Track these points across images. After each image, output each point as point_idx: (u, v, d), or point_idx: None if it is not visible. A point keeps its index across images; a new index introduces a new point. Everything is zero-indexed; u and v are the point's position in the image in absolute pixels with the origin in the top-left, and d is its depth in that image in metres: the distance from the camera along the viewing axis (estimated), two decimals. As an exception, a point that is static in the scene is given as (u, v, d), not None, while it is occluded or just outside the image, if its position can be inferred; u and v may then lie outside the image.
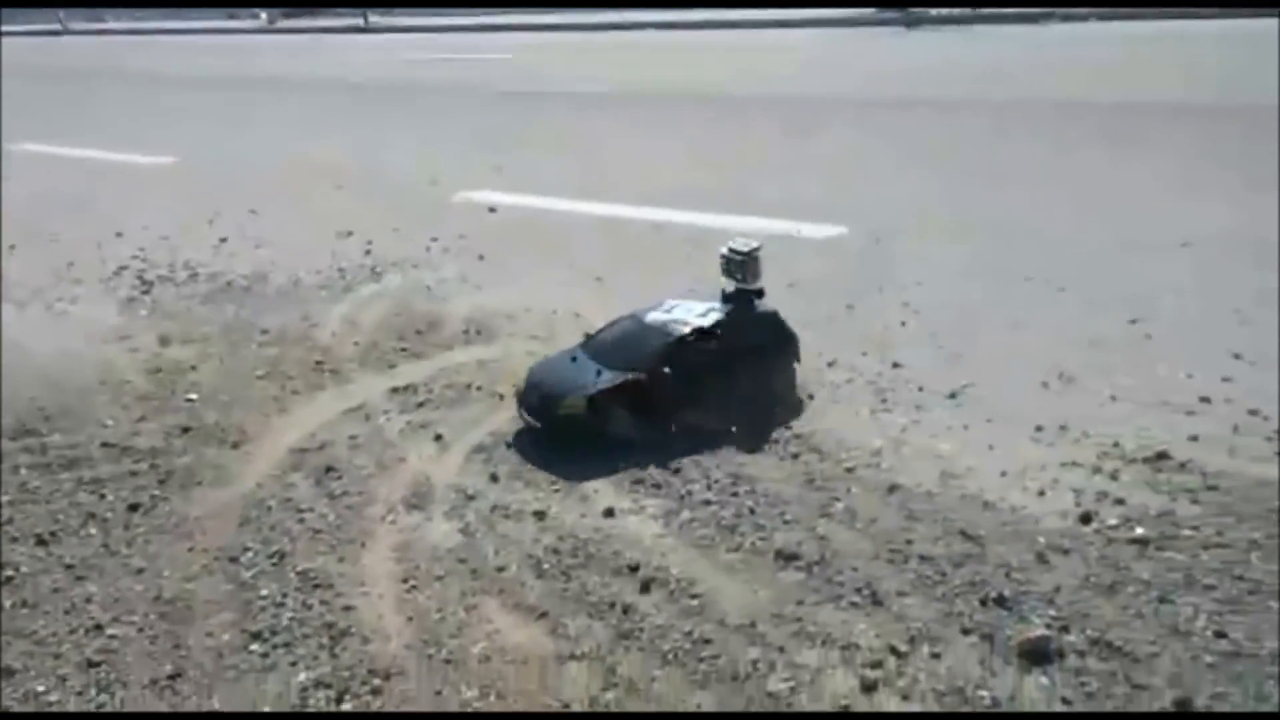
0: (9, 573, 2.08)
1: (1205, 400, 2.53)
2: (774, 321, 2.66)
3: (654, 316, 2.65)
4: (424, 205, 5.34)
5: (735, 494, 2.23)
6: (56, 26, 26.26)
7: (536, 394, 2.56)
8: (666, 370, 2.48)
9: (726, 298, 2.67)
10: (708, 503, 2.21)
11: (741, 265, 2.62)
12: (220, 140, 7.64)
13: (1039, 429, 2.45)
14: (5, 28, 23.61)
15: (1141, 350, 2.88)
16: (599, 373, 2.51)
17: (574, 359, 2.63)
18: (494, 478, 2.38)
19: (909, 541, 2.02)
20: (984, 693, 1.62)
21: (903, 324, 3.20)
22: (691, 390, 2.50)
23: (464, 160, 6.56)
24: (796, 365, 2.73)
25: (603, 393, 2.44)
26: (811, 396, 2.71)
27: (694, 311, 2.63)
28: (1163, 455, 2.28)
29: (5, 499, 2.37)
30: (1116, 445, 2.34)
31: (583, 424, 2.45)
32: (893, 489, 2.22)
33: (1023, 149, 5.76)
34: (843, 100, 8.01)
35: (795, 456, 2.39)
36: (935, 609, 1.82)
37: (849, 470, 2.32)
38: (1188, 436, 2.36)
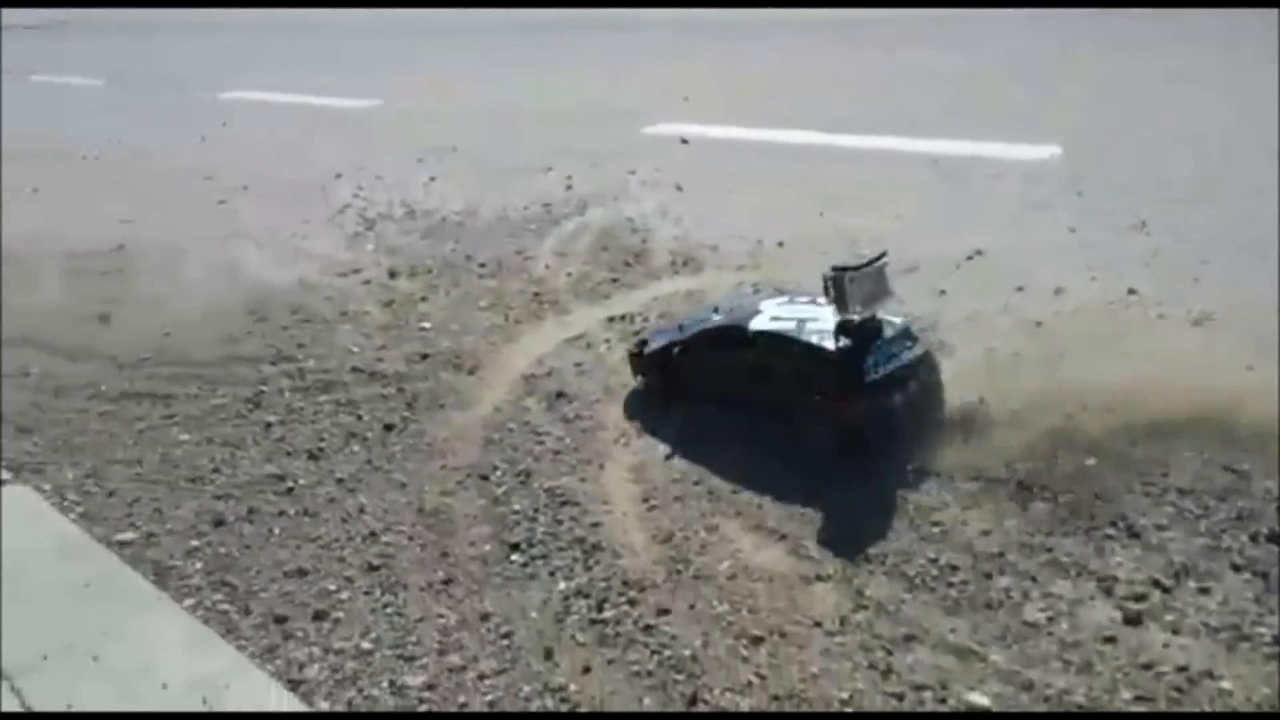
0: (289, 484, 2.28)
1: None
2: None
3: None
4: (616, 138, 5.38)
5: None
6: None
7: None
8: None
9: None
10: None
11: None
12: (416, 84, 7.92)
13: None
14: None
15: None
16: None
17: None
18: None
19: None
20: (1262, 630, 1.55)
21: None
22: None
23: (649, 91, 6.56)
24: None
25: None
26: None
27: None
28: None
29: (275, 418, 2.59)
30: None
31: None
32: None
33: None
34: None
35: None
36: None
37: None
38: None
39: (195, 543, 2.07)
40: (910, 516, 1.93)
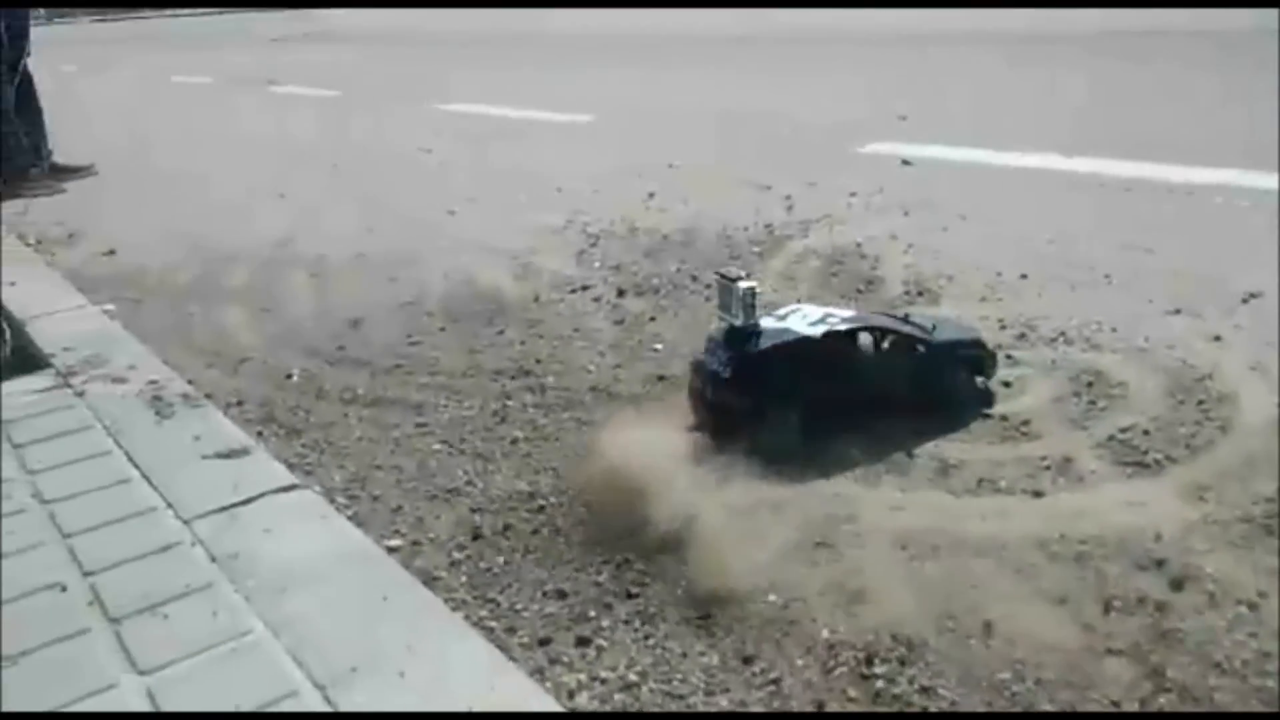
0: (540, 501, 2.33)
1: None
2: None
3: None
4: (832, 157, 5.30)
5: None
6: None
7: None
8: None
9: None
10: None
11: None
12: (626, 98, 8.08)
13: None
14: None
15: None
16: None
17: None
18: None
19: None
20: None
21: None
22: None
23: (864, 109, 6.42)
24: None
25: None
26: None
27: None
28: None
29: (521, 434, 2.66)
30: None
31: None
32: None
33: None
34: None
35: None
36: None
37: None
38: None
39: (457, 555, 2.14)
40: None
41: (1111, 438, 2.32)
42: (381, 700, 1.44)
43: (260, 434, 2.74)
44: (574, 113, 7.45)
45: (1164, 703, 1.55)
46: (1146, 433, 2.32)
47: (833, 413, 2.39)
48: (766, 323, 2.45)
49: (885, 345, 2.49)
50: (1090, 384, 2.59)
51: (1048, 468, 2.24)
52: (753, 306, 2.39)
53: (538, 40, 14.22)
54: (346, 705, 1.43)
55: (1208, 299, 3.03)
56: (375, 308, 3.73)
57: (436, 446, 2.64)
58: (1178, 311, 3.00)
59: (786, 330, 2.42)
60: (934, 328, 2.55)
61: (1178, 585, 1.80)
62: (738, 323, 2.40)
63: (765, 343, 2.39)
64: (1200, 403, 2.43)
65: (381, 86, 10.95)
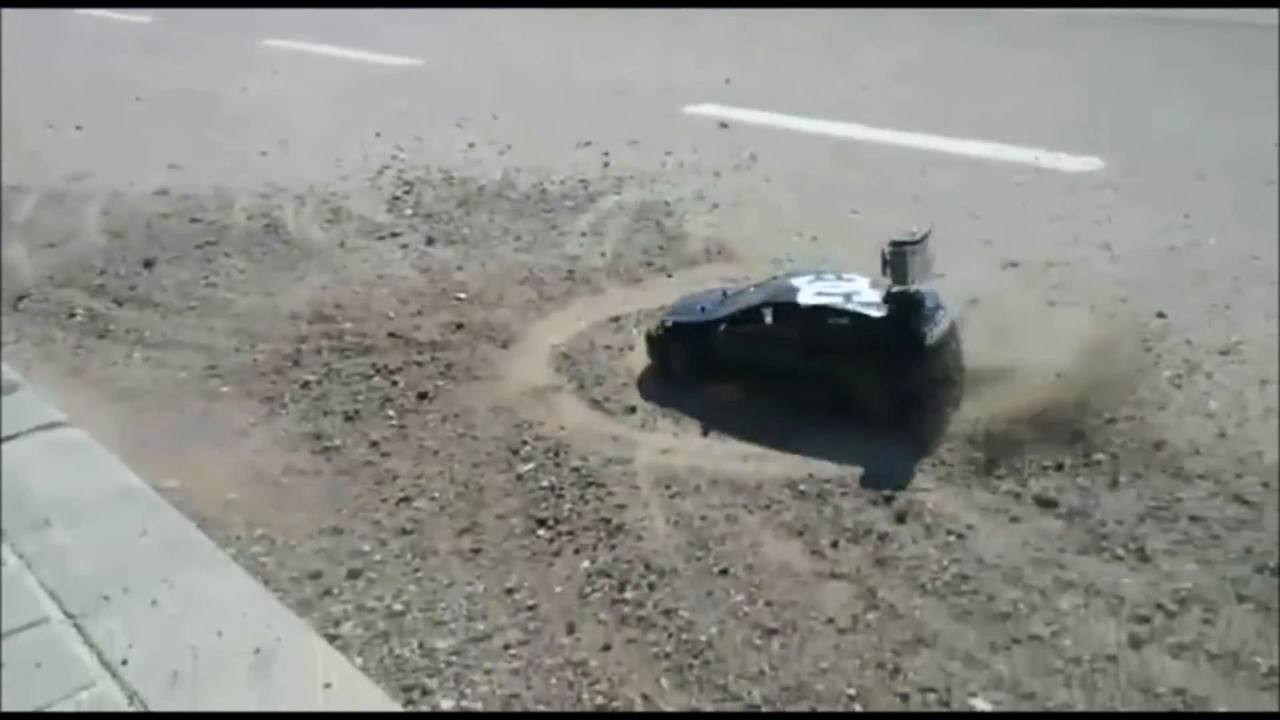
0: (325, 443, 2.36)
1: None
2: None
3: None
4: (654, 117, 5.40)
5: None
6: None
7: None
8: None
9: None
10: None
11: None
12: (459, 46, 7.93)
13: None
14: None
15: None
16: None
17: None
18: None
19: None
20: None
21: None
22: None
23: (690, 71, 6.55)
24: None
25: None
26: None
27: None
28: None
29: (313, 377, 2.66)
30: None
31: None
32: (1162, 446, 2.17)
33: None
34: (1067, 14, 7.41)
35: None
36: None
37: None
38: None
39: (233, 496, 2.15)
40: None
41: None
42: (131, 626, 1.47)
43: (35, 373, 2.64)
44: (405, 56, 7.28)
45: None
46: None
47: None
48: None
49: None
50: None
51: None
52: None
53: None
54: (95, 633, 1.45)
55: (976, 265, 3.28)
56: (172, 247, 3.61)
57: (224, 389, 2.62)
58: (942, 275, 3.26)
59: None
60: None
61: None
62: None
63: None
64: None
65: (203, 18, 10.32)
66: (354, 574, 1.91)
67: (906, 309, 2.30)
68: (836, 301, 2.38)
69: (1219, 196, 3.57)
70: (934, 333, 2.31)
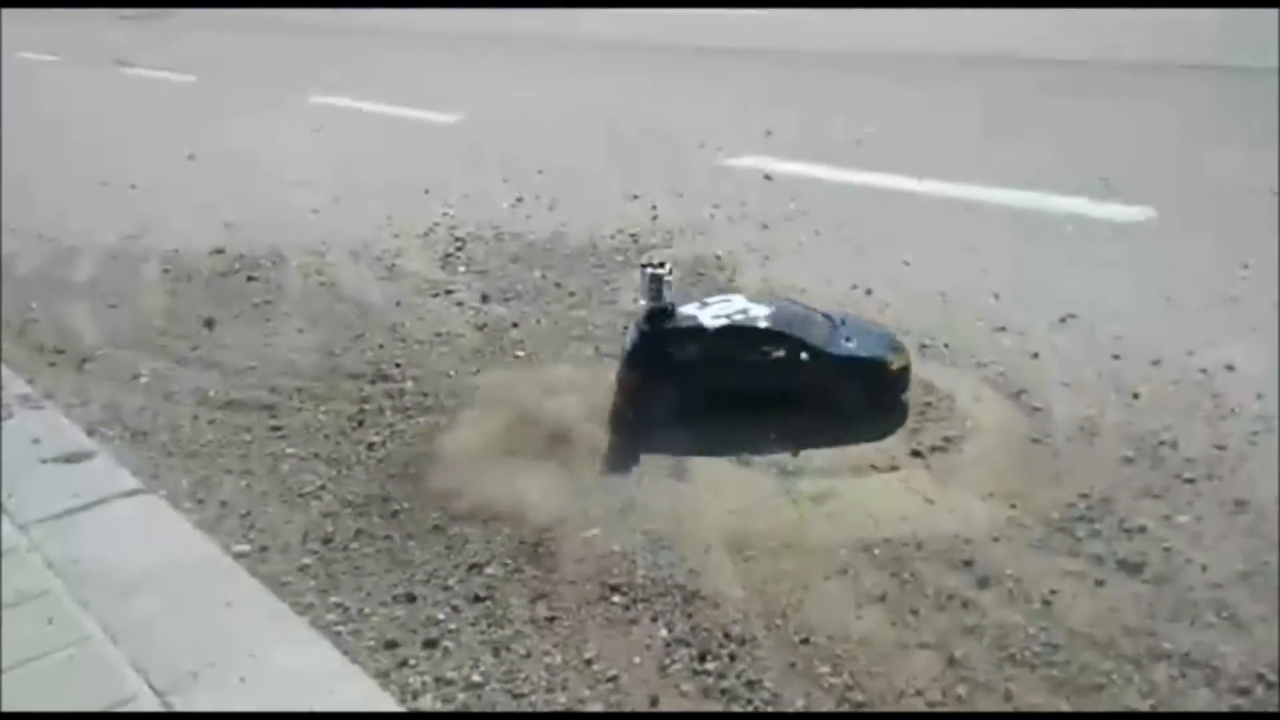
0: (394, 506, 2.35)
1: None
2: None
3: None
4: (698, 169, 5.44)
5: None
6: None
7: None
8: None
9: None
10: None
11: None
12: (499, 99, 8.07)
13: None
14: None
15: None
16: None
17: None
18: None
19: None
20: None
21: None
22: None
23: (730, 122, 6.61)
24: None
25: None
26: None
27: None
28: None
29: (378, 438, 2.67)
30: None
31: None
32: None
33: None
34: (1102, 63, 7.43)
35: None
36: None
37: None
38: None
39: (307, 560, 2.14)
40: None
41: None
42: (221, 705, 1.46)
43: (104, 437, 2.66)
44: (445, 112, 7.41)
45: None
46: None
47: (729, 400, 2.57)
48: (686, 309, 2.65)
49: (780, 348, 2.60)
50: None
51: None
52: (659, 290, 2.57)
53: (413, 35, 13.99)
54: (185, 709, 1.44)
55: (1033, 317, 3.25)
56: (231, 306, 3.66)
57: (290, 450, 2.63)
58: (1003, 329, 3.23)
59: (692, 318, 2.60)
60: (846, 339, 2.65)
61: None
62: (643, 303, 2.60)
63: (667, 324, 2.60)
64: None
65: (244, 74, 10.59)
66: (430, 643, 1.89)
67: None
68: None
69: None
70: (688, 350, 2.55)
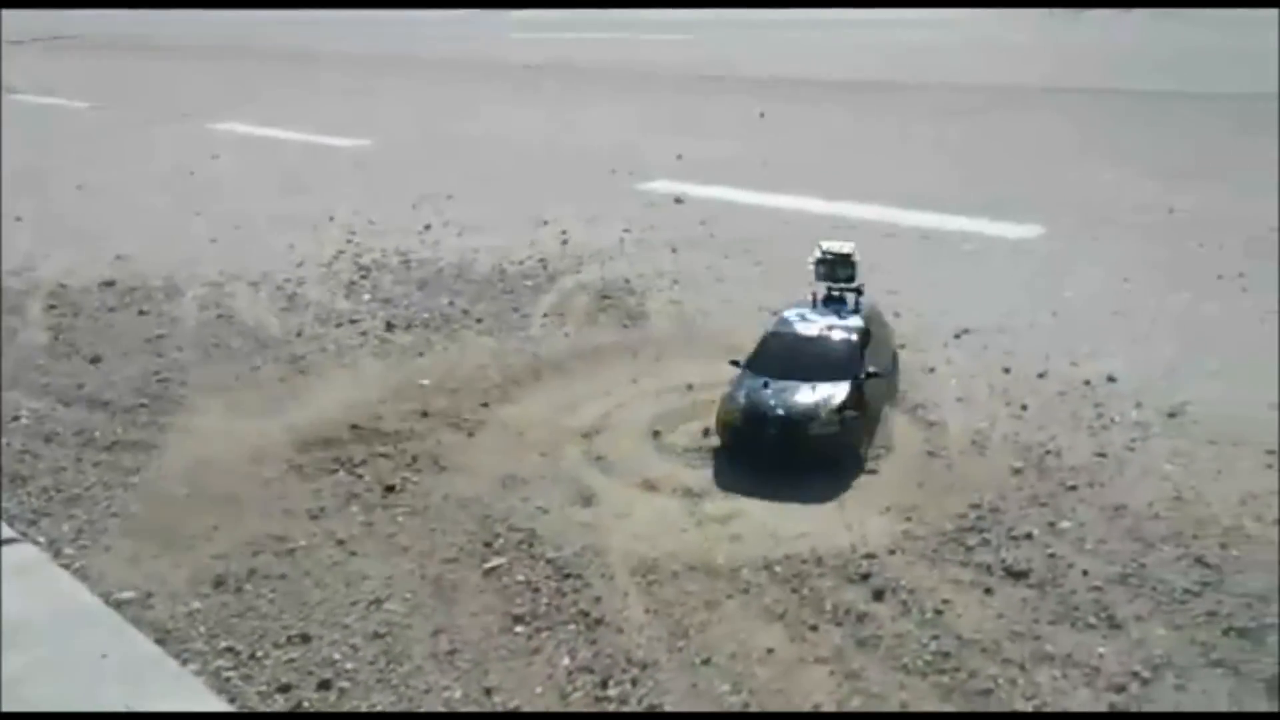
0: (290, 545, 2.28)
1: None
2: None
3: (803, 328, 2.68)
4: (608, 193, 5.47)
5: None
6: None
7: (767, 423, 2.45)
8: (865, 375, 2.52)
9: (829, 299, 2.78)
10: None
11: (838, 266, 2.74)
12: (409, 124, 8.00)
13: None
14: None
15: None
16: (813, 388, 2.47)
17: (764, 383, 2.51)
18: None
19: (1156, 569, 2.00)
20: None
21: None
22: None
23: (642, 147, 6.66)
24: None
25: (845, 404, 2.44)
26: (1033, 409, 2.68)
27: (829, 319, 2.69)
28: None
29: (274, 474, 2.60)
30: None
31: (834, 441, 2.44)
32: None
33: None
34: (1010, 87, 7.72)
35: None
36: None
37: (1082, 490, 2.29)
38: None
39: (196, 605, 2.07)
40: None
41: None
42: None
43: (-23, 483, 2.54)
44: (352, 137, 7.31)
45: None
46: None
47: None
48: None
49: None
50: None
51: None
52: None
53: (319, 58, 13.81)
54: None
55: (931, 334, 3.34)
56: (120, 343, 3.53)
57: (181, 492, 2.54)
58: (902, 346, 3.30)
59: None
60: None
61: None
62: None
63: None
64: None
65: (141, 102, 10.29)
66: (324, 685, 1.84)
67: None
68: None
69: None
70: None
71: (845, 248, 2.73)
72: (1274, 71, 7.20)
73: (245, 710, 1.74)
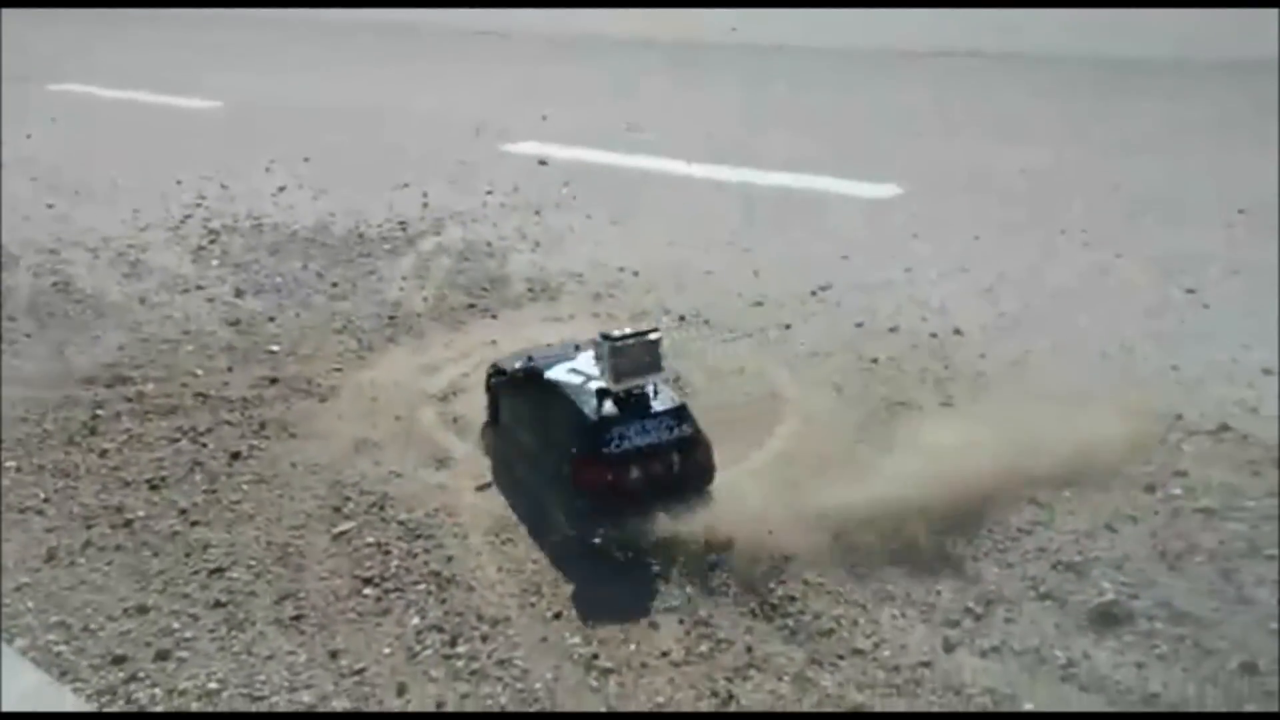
0: (128, 515, 2.20)
1: (1267, 372, 2.59)
2: None
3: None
4: (472, 155, 5.37)
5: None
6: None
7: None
8: None
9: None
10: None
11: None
12: (262, 85, 7.65)
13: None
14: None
15: (1200, 319, 2.93)
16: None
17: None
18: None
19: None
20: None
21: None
22: None
23: (506, 108, 6.57)
24: None
25: None
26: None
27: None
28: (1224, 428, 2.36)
29: (112, 445, 2.49)
30: (1180, 418, 2.41)
31: None
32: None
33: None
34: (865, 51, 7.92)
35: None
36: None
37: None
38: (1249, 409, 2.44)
39: (26, 579, 1.98)
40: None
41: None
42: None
43: None
44: (202, 98, 6.96)
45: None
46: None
47: None
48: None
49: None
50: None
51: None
52: None
53: (167, 16, 13.03)
54: None
55: (789, 291, 3.41)
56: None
57: (10, 464, 2.41)
58: (759, 304, 3.38)
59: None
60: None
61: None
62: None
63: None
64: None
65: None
66: (163, 655, 1.79)
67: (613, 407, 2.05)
68: (575, 382, 2.14)
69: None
70: (627, 441, 2.01)
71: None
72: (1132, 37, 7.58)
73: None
